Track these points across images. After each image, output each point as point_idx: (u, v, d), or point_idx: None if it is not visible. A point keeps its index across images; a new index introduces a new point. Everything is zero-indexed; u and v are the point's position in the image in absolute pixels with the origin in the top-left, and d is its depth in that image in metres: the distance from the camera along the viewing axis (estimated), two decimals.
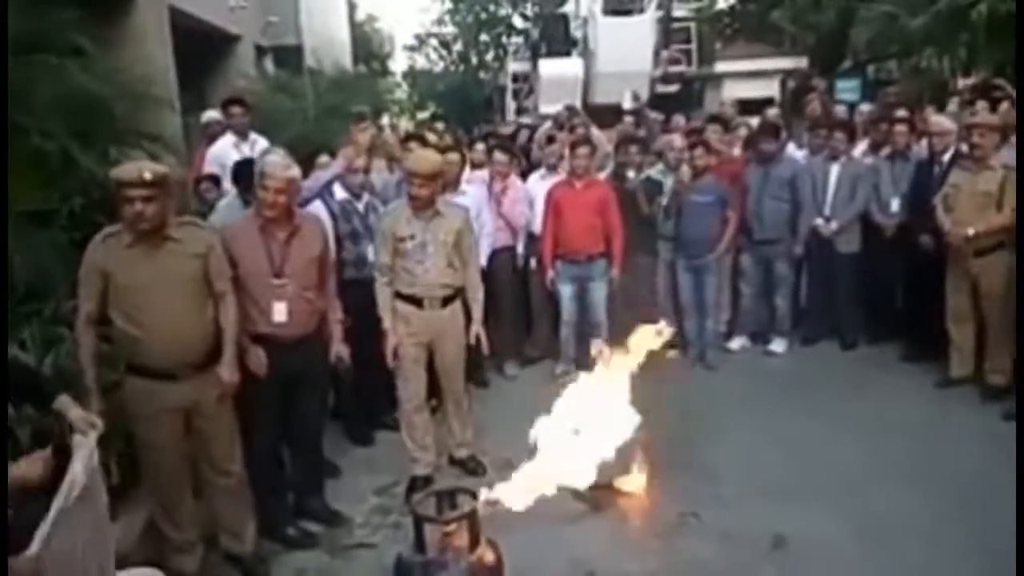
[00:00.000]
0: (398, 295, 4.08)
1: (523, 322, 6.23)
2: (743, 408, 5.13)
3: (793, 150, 6.56)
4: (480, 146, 6.48)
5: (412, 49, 27.30)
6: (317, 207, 4.43)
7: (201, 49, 10.87)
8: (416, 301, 4.07)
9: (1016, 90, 5.92)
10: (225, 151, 5.36)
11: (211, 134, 5.61)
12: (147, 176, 3.03)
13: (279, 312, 3.55)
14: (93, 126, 5.10)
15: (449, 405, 4.38)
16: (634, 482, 4.07)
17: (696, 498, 3.98)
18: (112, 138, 5.28)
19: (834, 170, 6.09)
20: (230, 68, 11.92)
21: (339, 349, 3.90)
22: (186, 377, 3.20)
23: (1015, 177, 4.79)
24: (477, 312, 4.21)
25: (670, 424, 4.02)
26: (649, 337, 3.96)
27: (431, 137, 6.09)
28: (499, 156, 5.92)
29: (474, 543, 2.85)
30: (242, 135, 5.53)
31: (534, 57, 14.74)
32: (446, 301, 4.11)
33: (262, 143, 5.56)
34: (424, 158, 4.12)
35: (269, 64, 13.67)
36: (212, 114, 5.95)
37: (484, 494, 3.10)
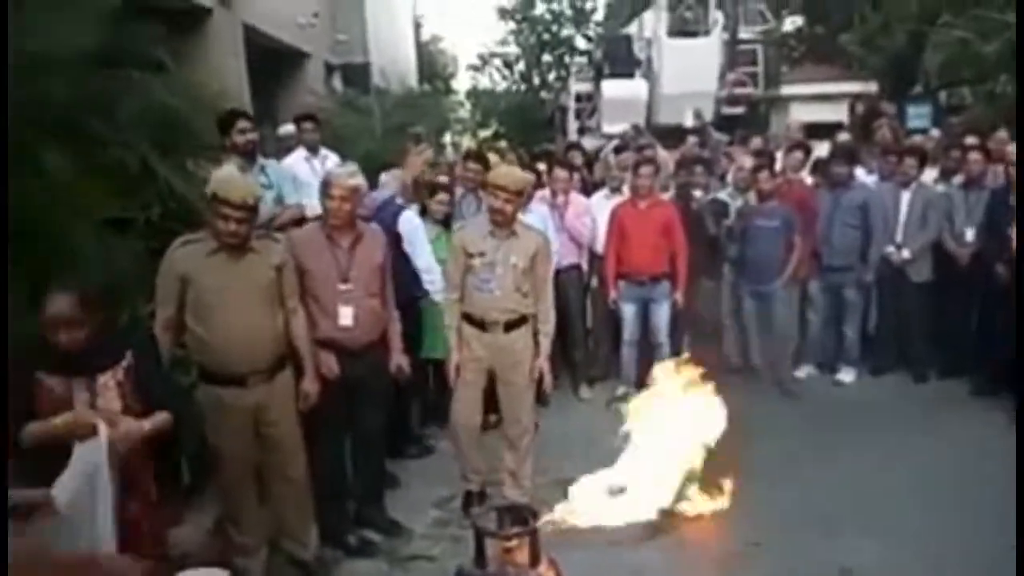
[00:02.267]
0: (463, 315, 3.99)
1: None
2: (809, 437, 5.02)
3: (863, 175, 6.44)
4: (541, 165, 6.51)
5: (475, 69, 27.59)
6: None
7: (272, 65, 11.17)
8: (479, 323, 3.96)
9: (1016, 94, 5.85)
10: (297, 165, 5.50)
11: (286, 148, 5.78)
12: (251, 201, 3.17)
13: (345, 316, 3.63)
14: (171, 138, 5.27)
15: (506, 437, 4.16)
16: (697, 507, 3.99)
17: (759, 527, 3.88)
18: (189, 151, 5.46)
19: (905, 197, 5.95)
20: (300, 84, 12.19)
21: (399, 360, 3.95)
22: (255, 383, 3.28)
23: None
24: (545, 346, 4.04)
25: (735, 451, 3.94)
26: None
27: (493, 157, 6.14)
28: (559, 172, 5.94)
29: (534, 560, 2.81)
30: (313, 150, 5.68)
31: (597, 77, 14.77)
32: (510, 326, 3.95)
33: (333, 158, 5.68)
34: (512, 173, 4.00)
35: (337, 81, 13.95)
36: (288, 128, 6.13)
37: (545, 512, 3.08)
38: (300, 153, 5.67)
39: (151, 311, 3.42)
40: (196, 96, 5.60)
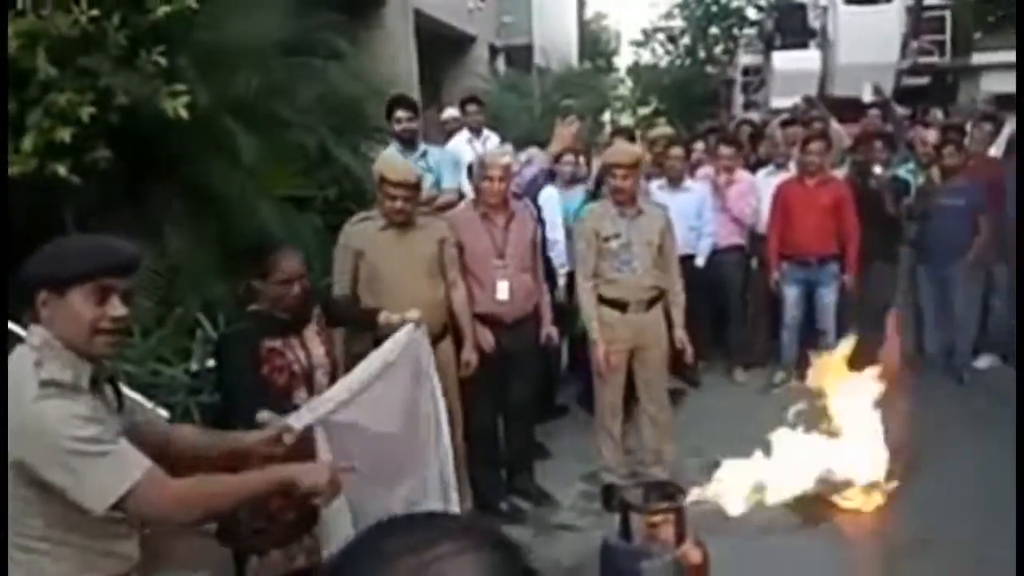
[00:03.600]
0: (600, 299, 3.98)
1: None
2: (988, 430, 4.64)
3: None
4: (699, 144, 6.37)
5: (638, 44, 27.07)
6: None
7: (440, 49, 11.57)
8: (620, 305, 3.94)
9: (1016, 94, 5.18)
10: (460, 147, 5.68)
11: (449, 130, 5.97)
12: (412, 180, 3.42)
13: (502, 291, 3.78)
14: (346, 122, 5.61)
15: (645, 415, 4.15)
16: (858, 499, 3.83)
17: (926, 522, 3.68)
18: (362, 134, 5.78)
19: None
20: (465, 67, 12.56)
21: (549, 330, 4.07)
22: None
23: None
24: (679, 317, 4.06)
25: (903, 441, 3.73)
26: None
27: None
28: (724, 149, 5.80)
29: (680, 538, 2.82)
30: (476, 132, 5.84)
31: (767, 49, 14.20)
32: (650, 304, 3.98)
33: (494, 139, 5.84)
34: (623, 149, 4.09)
35: (500, 63, 14.23)
36: (452, 112, 6.33)
37: (693, 491, 3.07)
38: (463, 135, 5.86)
39: (327, 283, 3.70)
40: (369, 82, 5.92)
